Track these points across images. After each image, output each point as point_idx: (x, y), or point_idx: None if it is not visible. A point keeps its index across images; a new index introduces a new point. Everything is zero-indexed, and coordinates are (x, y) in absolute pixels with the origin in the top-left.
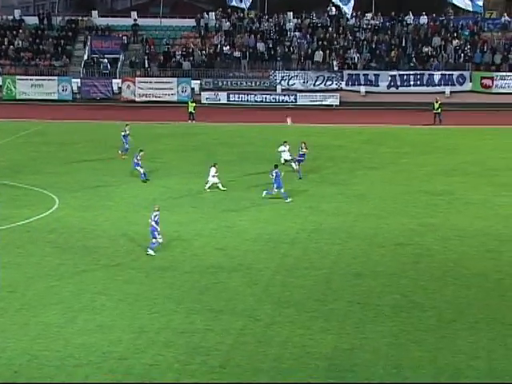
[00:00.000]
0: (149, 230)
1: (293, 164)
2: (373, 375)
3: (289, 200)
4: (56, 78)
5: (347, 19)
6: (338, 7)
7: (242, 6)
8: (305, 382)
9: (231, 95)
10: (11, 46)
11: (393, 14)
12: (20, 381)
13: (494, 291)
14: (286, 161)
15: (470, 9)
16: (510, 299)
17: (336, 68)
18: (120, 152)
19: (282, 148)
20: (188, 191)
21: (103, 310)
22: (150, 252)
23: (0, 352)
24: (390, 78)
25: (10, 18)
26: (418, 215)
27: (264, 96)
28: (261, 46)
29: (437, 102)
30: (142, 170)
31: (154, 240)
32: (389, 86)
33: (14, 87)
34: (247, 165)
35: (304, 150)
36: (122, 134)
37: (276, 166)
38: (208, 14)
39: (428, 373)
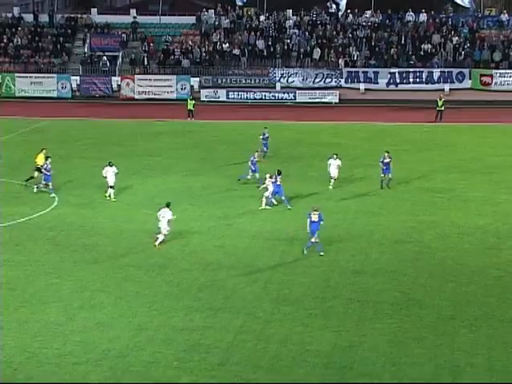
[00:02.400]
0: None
1: (381, 174)
2: (372, 372)
3: (290, 207)
4: (55, 75)
5: (346, 16)
6: (337, 4)
7: (239, 2)
8: (303, 379)
9: (230, 93)
10: (10, 44)
11: (389, 11)
12: (20, 378)
13: (494, 288)
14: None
15: (463, 4)
16: (509, 296)
17: (341, 65)
18: (259, 151)
19: (331, 161)
20: (187, 188)
21: (102, 308)
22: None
23: None
24: (389, 76)
25: (9, 15)
26: (417, 212)
27: (263, 93)
28: (260, 44)
29: (440, 100)
30: (250, 173)
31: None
32: (388, 84)
33: (13, 85)
34: (245, 162)
35: (387, 160)
36: (261, 136)
37: (279, 173)
38: (207, 12)
39: (427, 370)
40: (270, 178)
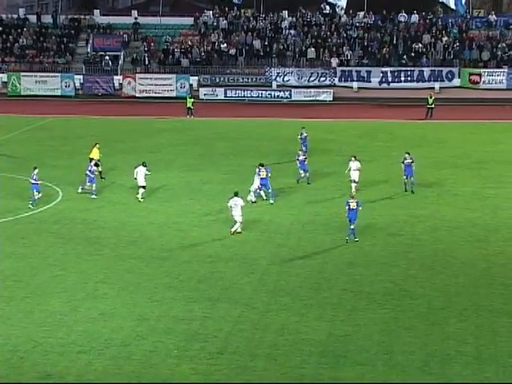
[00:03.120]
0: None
1: (403, 176)
2: (365, 360)
3: (272, 201)
4: (59, 74)
5: (340, 16)
6: (331, 5)
7: (236, 0)
8: (299, 367)
9: (228, 91)
10: (16, 44)
11: (384, 12)
12: (26, 366)
13: (482, 279)
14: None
15: (452, 7)
16: (497, 287)
17: (334, 65)
18: (301, 151)
19: (351, 164)
20: (186, 184)
21: (105, 299)
22: None
23: (6, 339)
24: (381, 75)
25: (15, 16)
26: (408, 206)
27: (260, 92)
28: (257, 44)
29: (431, 98)
30: (302, 172)
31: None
32: (380, 82)
33: (19, 83)
34: (243, 158)
35: (409, 161)
36: (299, 136)
37: (261, 165)
38: (206, 13)
39: (418, 358)
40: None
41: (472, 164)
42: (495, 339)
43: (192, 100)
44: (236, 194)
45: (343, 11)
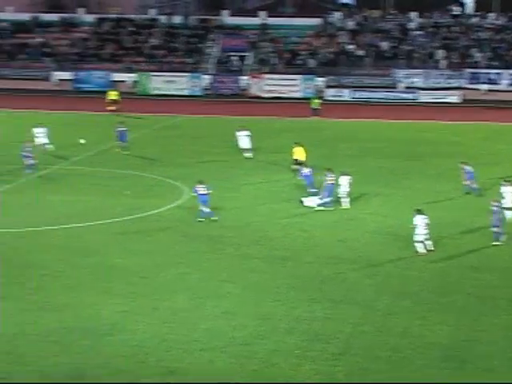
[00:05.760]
0: None
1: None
2: (490, 366)
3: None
4: (188, 74)
5: (469, 17)
6: (462, 4)
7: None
8: (421, 371)
9: (354, 92)
10: (146, 44)
11: None
12: (151, 361)
13: None
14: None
15: None
16: None
17: (462, 66)
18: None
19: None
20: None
21: (228, 297)
22: None
23: (132, 334)
24: (511, 77)
25: (146, 17)
26: None
27: (386, 93)
28: (384, 45)
29: None
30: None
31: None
32: (510, 85)
33: (149, 83)
34: (368, 159)
35: None
36: None
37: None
38: (333, 14)
39: None
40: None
41: None
42: None
43: (317, 101)
44: (419, 211)
45: (472, 12)
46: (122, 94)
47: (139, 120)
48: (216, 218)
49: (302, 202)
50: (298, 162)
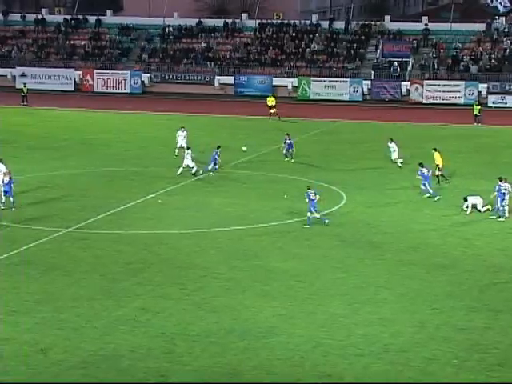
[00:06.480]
0: None
1: None
2: None
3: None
4: (348, 79)
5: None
6: None
7: (498, 5)
8: None
9: None
10: (307, 49)
11: None
12: (306, 365)
13: None
14: None
15: None
16: None
17: None
18: None
19: None
20: (469, 191)
21: (385, 304)
22: None
23: (288, 337)
24: None
25: (308, 22)
26: None
27: None
28: None
29: None
30: None
31: None
32: None
33: (309, 88)
34: None
35: None
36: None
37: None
38: (498, 19)
39: None
40: None
41: None
42: None
43: (479, 107)
44: None
45: None
46: (281, 98)
47: (296, 124)
48: (327, 221)
49: (465, 199)
50: (439, 168)
